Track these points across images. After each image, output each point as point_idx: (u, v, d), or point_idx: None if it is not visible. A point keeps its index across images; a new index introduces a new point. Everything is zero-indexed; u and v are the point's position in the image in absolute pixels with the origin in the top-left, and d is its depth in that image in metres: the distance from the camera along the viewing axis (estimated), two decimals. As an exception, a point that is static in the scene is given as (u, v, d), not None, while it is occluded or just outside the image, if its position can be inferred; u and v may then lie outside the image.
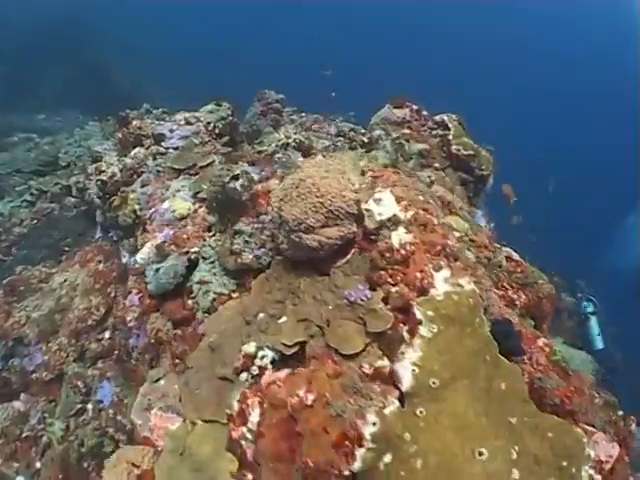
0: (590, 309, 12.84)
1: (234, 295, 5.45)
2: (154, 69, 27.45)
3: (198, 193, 7.02)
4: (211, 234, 6.15)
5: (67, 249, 10.06)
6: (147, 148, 8.65)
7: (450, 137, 8.04)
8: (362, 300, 4.45)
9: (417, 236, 4.67)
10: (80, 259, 9.73)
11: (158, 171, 8.12)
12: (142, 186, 8.05)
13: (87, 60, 20.60)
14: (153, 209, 7.33)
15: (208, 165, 7.90)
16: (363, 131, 8.59)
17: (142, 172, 8.32)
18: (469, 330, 4.04)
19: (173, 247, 5.98)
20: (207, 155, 8.02)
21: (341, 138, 8.68)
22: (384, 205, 4.79)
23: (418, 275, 4.44)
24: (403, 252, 4.53)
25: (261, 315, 4.71)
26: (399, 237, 4.61)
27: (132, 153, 8.64)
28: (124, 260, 8.97)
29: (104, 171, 8.91)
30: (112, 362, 8.33)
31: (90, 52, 21.05)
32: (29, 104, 18.07)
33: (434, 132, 8.17)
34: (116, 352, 8.13)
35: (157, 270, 5.74)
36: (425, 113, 8.91)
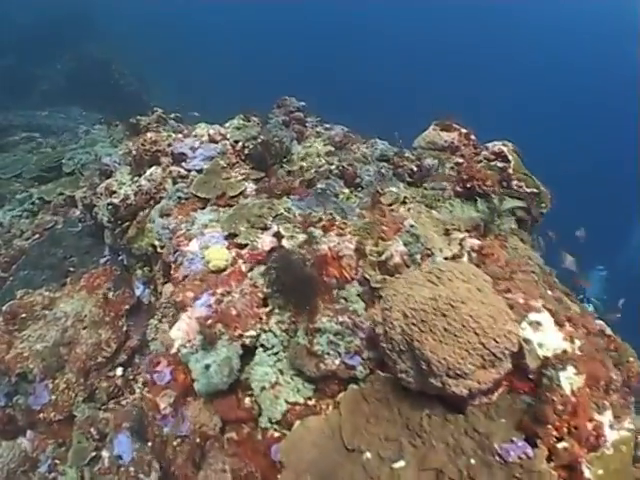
0: None
1: (310, 403, 3.61)
2: (161, 65, 24.86)
3: (234, 237, 5.14)
4: (267, 309, 4.20)
5: (72, 269, 8.02)
6: (165, 168, 6.69)
7: (510, 171, 6.37)
8: (521, 458, 2.74)
9: (583, 371, 2.96)
10: (87, 283, 7.71)
11: (179, 197, 6.20)
12: (161, 215, 6.14)
13: (91, 54, 18.01)
14: (178, 250, 5.45)
15: (239, 194, 6.02)
16: (409, 156, 6.77)
17: (160, 198, 6.42)
18: None
19: (220, 327, 4.02)
20: (237, 182, 6.12)
21: (384, 163, 6.94)
22: (544, 332, 3.06)
23: (588, 426, 2.76)
24: (574, 400, 2.82)
25: (367, 454, 3.03)
26: (570, 381, 2.90)
27: (148, 173, 6.66)
28: (137, 292, 7.06)
29: (115, 192, 6.93)
30: (127, 411, 6.50)
31: (94, 46, 18.44)
32: (31, 100, 15.57)
33: (492, 164, 6.49)
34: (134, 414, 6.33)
35: (207, 367, 3.79)
36: (473, 137, 7.21)
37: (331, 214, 5.09)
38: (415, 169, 6.34)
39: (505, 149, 6.38)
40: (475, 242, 4.49)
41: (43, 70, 16.95)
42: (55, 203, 9.04)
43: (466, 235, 4.63)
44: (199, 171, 6.41)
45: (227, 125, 7.07)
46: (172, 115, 9.21)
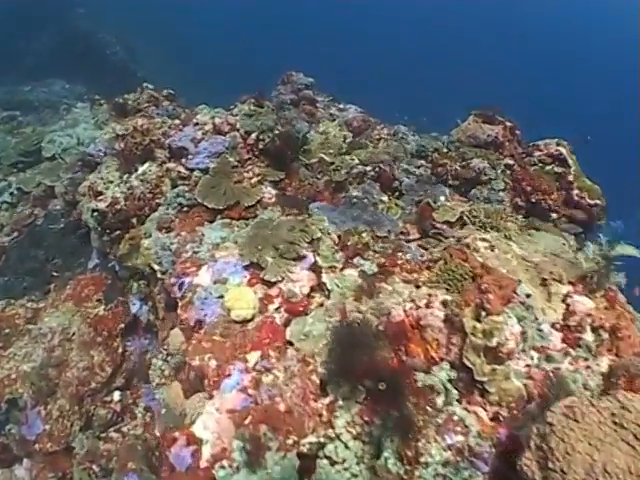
0: None
1: None
2: (150, 34, 21.27)
3: (257, 267, 3.43)
4: (328, 400, 2.58)
5: (55, 274, 6.20)
6: (161, 165, 4.85)
7: (571, 178, 4.54)
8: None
9: None
10: (73, 292, 5.91)
11: (181, 204, 4.32)
12: (159, 228, 4.26)
13: (75, 24, 15.01)
14: (184, 281, 3.64)
15: (257, 203, 4.31)
16: (451, 153, 4.85)
17: (157, 204, 4.54)
18: None
19: (266, 430, 2.41)
20: (253, 186, 4.41)
21: (422, 161, 4.93)
22: None
23: None
24: None
25: None
26: None
27: (140, 171, 4.78)
28: (133, 308, 5.32)
29: (101, 193, 5.08)
30: (132, 446, 4.97)
31: (79, 16, 15.38)
32: (15, 74, 12.80)
33: (547, 168, 4.87)
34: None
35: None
36: (518, 132, 5.65)
37: (386, 246, 3.48)
38: (458, 168, 4.79)
39: (563, 151, 4.77)
40: (585, 303, 2.87)
41: (27, 43, 14.03)
42: (35, 195, 7.06)
43: (570, 289, 3.03)
44: (204, 170, 4.45)
45: (235, 111, 5.02)
46: (164, 92, 7.20)
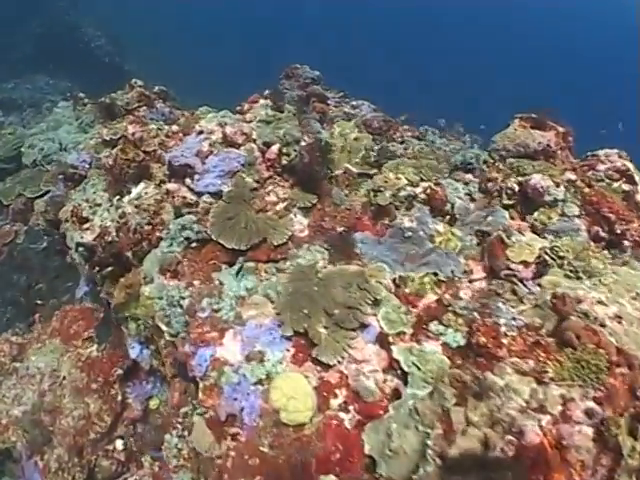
0: None
1: None
2: (138, 26, 17.91)
3: (303, 337, 2.22)
4: None
5: (40, 302, 4.76)
6: (159, 185, 3.37)
7: (639, 197, 3.32)
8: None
9: None
10: (60, 326, 4.42)
11: (188, 239, 2.92)
12: (163, 271, 2.81)
13: (60, 17, 12.61)
14: (206, 355, 2.30)
15: (288, 241, 3.07)
16: (501, 166, 3.54)
17: (158, 238, 3.12)
18: None
19: None
20: (280, 217, 3.13)
21: (469, 176, 3.61)
22: None
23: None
24: None
25: None
26: None
27: (134, 193, 3.25)
28: (133, 353, 3.95)
29: (87, 220, 3.63)
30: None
31: (61, 9, 12.92)
32: None
33: (615, 185, 3.43)
34: None
35: None
36: (571, 139, 4.44)
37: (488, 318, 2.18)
38: (516, 188, 3.63)
39: (630, 165, 3.72)
40: None
41: (10, 38, 11.66)
42: (14, 208, 5.48)
43: None
44: (215, 194, 3.06)
45: (249, 116, 3.50)
46: (156, 89, 5.61)
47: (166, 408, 4.05)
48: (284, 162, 3.15)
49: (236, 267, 2.71)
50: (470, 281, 2.98)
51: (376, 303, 2.34)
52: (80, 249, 3.17)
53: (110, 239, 3.20)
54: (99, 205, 3.44)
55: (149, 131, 3.62)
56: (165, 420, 3.96)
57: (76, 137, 5.39)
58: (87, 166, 4.25)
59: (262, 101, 3.94)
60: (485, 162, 3.67)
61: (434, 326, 2.53)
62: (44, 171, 5.43)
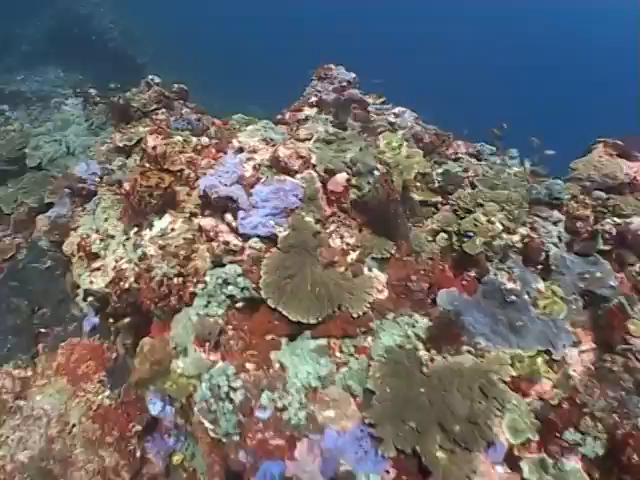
0: None
1: None
2: (152, 18, 14.41)
3: (413, 465, 1.42)
4: None
5: (44, 330, 3.74)
6: (190, 219, 2.30)
7: None
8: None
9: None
10: (67, 364, 3.33)
11: (232, 299, 1.89)
12: (201, 342, 1.82)
13: (72, 8, 10.87)
14: (274, 472, 1.69)
15: (369, 309, 2.09)
16: (588, 200, 2.64)
17: (192, 293, 2.04)
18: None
19: None
20: (356, 275, 2.20)
21: (556, 212, 2.57)
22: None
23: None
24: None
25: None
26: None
27: (157, 229, 2.18)
28: (154, 410, 3.07)
29: (97, 256, 2.62)
30: None
31: (77, 1, 11.10)
32: (9, 61, 9.01)
33: None
34: None
35: None
36: None
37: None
38: (614, 233, 2.76)
39: None
40: None
41: (22, 28, 9.98)
42: (16, 218, 4.35)
43: None
44: (267, 238, 2.04)
45: (303, 133, 2.40)
46: (175, 87, 4.40)
47: (191, 464, 3.16)
48: (353, 196, 2.19)
49: (302, 344, 1.80)
50: (580, 352, 2.14)
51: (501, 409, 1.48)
52: (89, 299, 2.20)
53: (127, 286, 2.23)
54: (112, 237, 2.44)
55: (173, 144, 2.58)
56: (190, 477, 3.07)
57: (86, 140, 4.24)
58: (97, 179, 3.20)
59: (308, 110, 2.92)
60: (574, 197, 2.77)
61: (570, 435, 1.68)
62: (49, 176, 4.32)
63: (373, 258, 2.10)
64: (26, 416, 3.19)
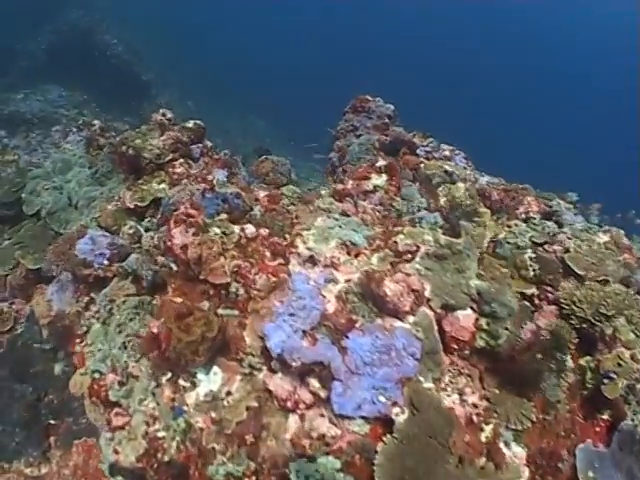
0: None
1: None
2: (156, 34, 12.09)
3: None
4: None
5: (53, 422, 2.69)
6: (250, 374, 1.20)
7: None
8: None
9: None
10: (84, 466, 2.44)
11: None
12: None
13: (73, 23, 8.85)
14: None
15: None
16: None
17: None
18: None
19: None
20: (499, 467, 1.32)
21: None
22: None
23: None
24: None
25: None
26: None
27: (204, 389, 1.16)
28: None
29: (117, 405, 1.55)
30: None
31: (77, 14, 9.00)
32: (9, 78, 7.18)
33: None
34: None
35: None
36: None
37: None
38: None
39: None
40: None
41: (22, 44, 8.02)
42: (12, 282, 3.14)
43: None
44: (374, 419, 1.06)
45: (401, 243, 1.28)
46: (190, 124, 3.15)
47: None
48: (480, 343, 1.32)
49: None
50: None
51: None
52: (119, 478, 1.26)
53: (168, 459, 1.29)
54: (135, 378, 1.47)
55: (210, 243, 1.57)
56: None
57: (89, 191, 3.03)
58: (106, 263, 2.15)
59: (375, 177, 1.93)
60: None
61: None
62: (49, 229, 3.16)
63: (507, 426, 1.27)
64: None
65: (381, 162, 1.97)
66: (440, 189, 2.11)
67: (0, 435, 2.53)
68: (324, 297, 1.30)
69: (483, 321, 1.29)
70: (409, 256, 1.37)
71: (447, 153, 2.66)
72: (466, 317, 1.27)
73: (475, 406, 1.26)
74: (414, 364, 1.17)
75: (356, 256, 1.41)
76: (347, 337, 1.20)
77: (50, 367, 2.54)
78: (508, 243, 1.76)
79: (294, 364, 1.15)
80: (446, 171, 2.28)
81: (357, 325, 1.23)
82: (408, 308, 1.24)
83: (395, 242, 1.41)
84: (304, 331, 1.21)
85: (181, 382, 1.31)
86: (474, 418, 1.21)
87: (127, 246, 2.20)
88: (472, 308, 1.31)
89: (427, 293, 1.30)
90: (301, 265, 1.41)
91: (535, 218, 2.18)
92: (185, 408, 1.24)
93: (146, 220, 2.47)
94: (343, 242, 1.44)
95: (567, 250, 1.90)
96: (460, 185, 2.11)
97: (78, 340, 1.90)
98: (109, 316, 1.72)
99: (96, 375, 1.45)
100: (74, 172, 3.35)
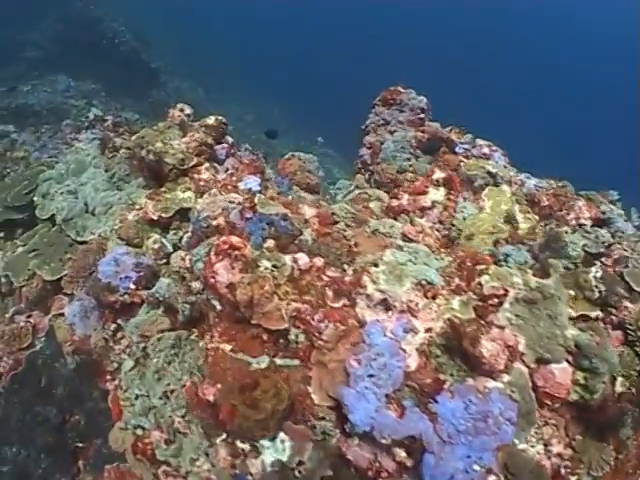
0: None
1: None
2: (162, 23, 10.82)
3: None
4: None
5: (81, 445, 2.40)
6: (325, 440, 0.95)
7: None
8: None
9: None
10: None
11: None
12: None
13: (79, 12, 7.93)
14: None
15: None
16: None
17: None
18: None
19: None
20: None
21: None
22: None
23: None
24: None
25: None
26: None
27: (272, 458, 0.91)
28: None
29: (164, 462, 1.31)
30: None
31: (84, 3, 7.91)
32: (15, 69, 6.39)
33: None
34: None
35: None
36: None
37: None
38: None
39: None
40: None
41: (27, 34, 7.08)
42: (27, 295, 2.75)
43: None
44: None
45: (486, 287, 1.00)
46: (211, 120, 2.21)
47: None
48: (574, 397, 1.11)
49: None
50: None
51: None
52: None
53: None
54: (183, 434, 1.20)
55: (262, 282, 1.27)
56: None
57: (106, 196, 2.64)
58: (132, 287, 1.83)
59: (433, 192, 1.62)
60: None
61: None
62: (65, 235, 2.78)
63: (589, 473, 1.09)
64: None
65: (439, 174, 1.66)
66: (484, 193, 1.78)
67: (25, 462, 2.23)
68: (404, 351, 1.05)
69: (580, 375, 1.07)
70: (495, 300, 1.11)
71: (486, 150, 2.21)
72: (562, 372, 1.05)
73: (561, 456, 1.06)
74: (512, 430, 0.95)
75: (433, 298, 1.14)
76: (435, 401, 0.97)
77: (75, 387, 2.24)
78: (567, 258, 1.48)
79: (384, 441, 0.90)
80: (489, 172, 1.95)
81: (445, 386, 0.99)
82: (503, 367, 1.01)
83: (479, 284, 1.15)
84: (387, 395, 0.96)
85: (239, 444, 1.07)
86: (562, 471, 1.01)
87: (153, 265, 1.88)
88: (567, 361, 1.08)
89: (521, 347, 1.07)
90: (371, 309, 1.14)
91: (587, 225, 1.86)
92: (250, 478, 1.00)
93: (171, 232, 2.13)
94: (418, 282, 1.17)
95: (626, 265, 1.64)
96: (506, 190, 1.79)
97: (109, 377, 1.61)
98: (143, 355, 1.43)
99: (139, 432, 1.18)
100: (89, 174, 2.93)
